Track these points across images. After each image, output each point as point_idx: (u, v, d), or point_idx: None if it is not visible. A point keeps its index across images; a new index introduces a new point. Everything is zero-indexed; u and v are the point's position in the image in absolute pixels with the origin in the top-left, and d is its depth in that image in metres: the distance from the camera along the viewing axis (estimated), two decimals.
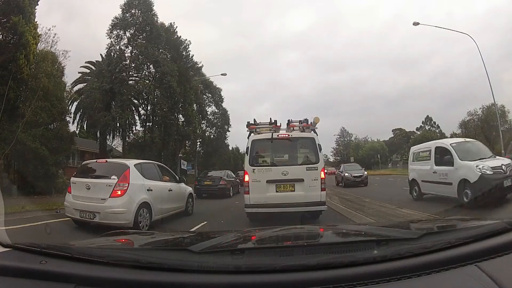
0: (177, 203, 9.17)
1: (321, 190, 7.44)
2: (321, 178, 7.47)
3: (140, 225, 7.02)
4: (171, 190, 8.79)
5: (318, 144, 7.69)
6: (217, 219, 9.49)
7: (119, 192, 6.91)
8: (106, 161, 8.70)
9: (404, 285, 1.22)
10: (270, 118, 8.16)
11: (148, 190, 7.59)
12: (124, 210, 6.83)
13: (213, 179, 17.08)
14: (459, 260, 1.30)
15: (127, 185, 7.01)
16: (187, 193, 9.99)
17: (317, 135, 7.91)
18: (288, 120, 8.24)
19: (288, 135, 7.84)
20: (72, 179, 7.73)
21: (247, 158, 7.76)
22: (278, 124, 8.08)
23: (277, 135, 7.77)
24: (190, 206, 10.01)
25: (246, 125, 8.27)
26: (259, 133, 8.02)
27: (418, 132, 63.64)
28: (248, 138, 7.98)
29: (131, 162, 7.86)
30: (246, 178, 7.65)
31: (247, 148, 7.79)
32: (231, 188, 17.51)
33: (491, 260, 1.31)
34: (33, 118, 16.14)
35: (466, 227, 1.87)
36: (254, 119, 8.37)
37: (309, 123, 8.05)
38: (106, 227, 5.73)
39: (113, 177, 7.09)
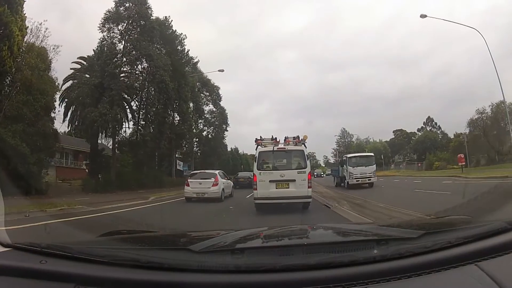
0: (229, 190, 17.36)
1: (308, 188, 9.98)
2: (308, 179, 10.11)
3: (222, 198, 14.99)
4: (228, 184, 17.36)
5: (307, 155, 10.64)
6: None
7: (215, 184, 14.89)
8: (205, 171, 17.29)
9: (404, 284, 1.21)
10: (272, 135, 10.99)
11: (223, 183, 15.72)
12: (218, 191, 14.86)
13: (244, 178, 26.02)
14: (459, 260, 1.30)
15: (218, 182, 15.08)
16: (231, 185, 18.61)
17: (306, 147, 10.71)
18: (285, 137, 10.90)
19: (285, 148, 10.63)
20: (189, 180, 15.51)
21: (255, 164, 10.55)
22: (278, 140, 10.81)
23: (277, 148, 10.53)
24: (232, 192, 18.14)
25: (254, 140, 10.97)
26: (264, 146, 10.68)
27: (419, 133, 63.50)
28: (256, 149, 10.80)
29: (216, 172, 16.23)
30: (255, 178, 10.32)
31: (255, 157, 10.67)
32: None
33: (491, 260, 1.31)
34: (14, 113, 14.99)
35: (466, 227, 1.86)
36: (260, 136, 11.13)
37: (300, 139, 10.66)
38: (209, 198, 14.14)
39: (211, 178, 15.14)
